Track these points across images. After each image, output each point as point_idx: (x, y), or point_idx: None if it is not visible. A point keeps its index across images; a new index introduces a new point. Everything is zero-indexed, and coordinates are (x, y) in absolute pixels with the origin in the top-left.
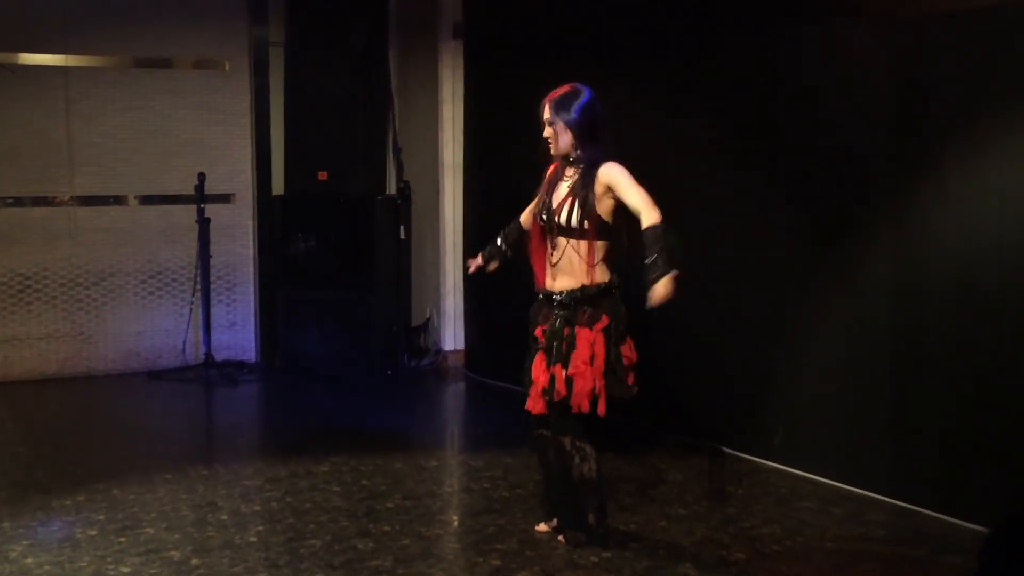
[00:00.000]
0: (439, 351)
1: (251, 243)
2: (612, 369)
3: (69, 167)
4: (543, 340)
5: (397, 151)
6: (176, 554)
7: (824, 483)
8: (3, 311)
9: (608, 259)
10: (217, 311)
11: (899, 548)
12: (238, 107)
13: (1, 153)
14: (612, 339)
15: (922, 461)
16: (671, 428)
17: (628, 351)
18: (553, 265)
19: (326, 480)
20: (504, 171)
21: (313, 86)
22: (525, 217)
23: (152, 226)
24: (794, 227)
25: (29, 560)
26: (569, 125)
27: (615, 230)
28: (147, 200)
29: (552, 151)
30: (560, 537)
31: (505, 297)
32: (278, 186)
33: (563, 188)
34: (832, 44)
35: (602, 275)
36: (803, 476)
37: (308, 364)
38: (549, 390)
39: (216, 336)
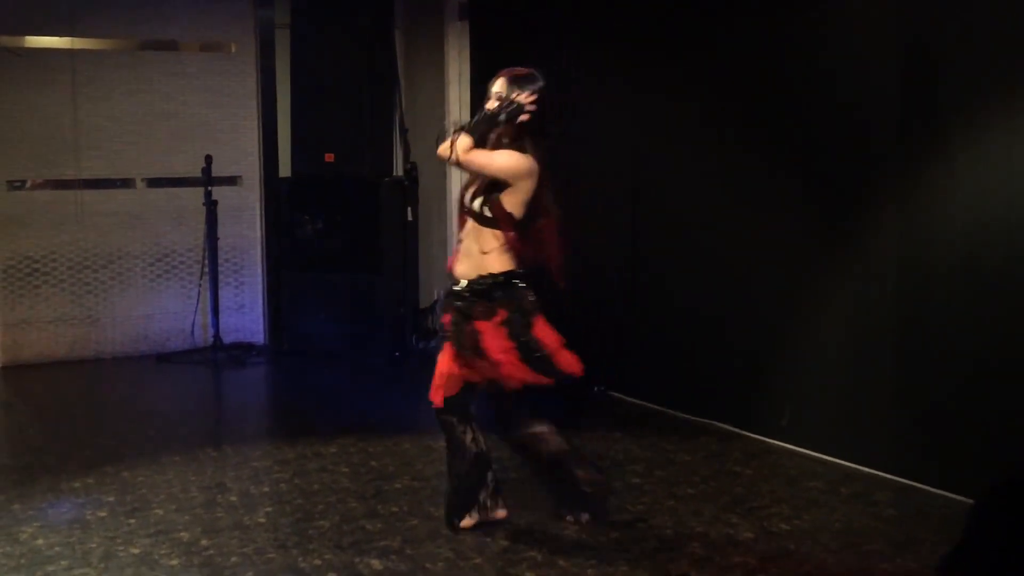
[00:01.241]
0: None
1: (258, 225)
2: (530, 356)
3: (76, 150)
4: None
5: (404, 132)
6: (185, 535)
7: (832, 462)
8: (12, 295)
9: (512, 250)
10: (225, 293)
11: (907, 527)
12: (244, 89)
13: (8, 137)
14: (516, 331)
15: (930, 440)
16: (679, 408)
17: (544, 335)
18: (459, 244)
19: (334, 461)
20: None
21: (319, 68)
22: None
23: (159, 209)
24: (801, 207)
25: (39, 541)
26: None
27: (524, 224)
28: (154, 183)
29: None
30: (568, 519)
31: None
32: (285, 168)
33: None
34: (839, 23)
35: (500, 265)
36: (811, 456)
37: (316, 346)
38: (495, 381)
39: (224, 318)
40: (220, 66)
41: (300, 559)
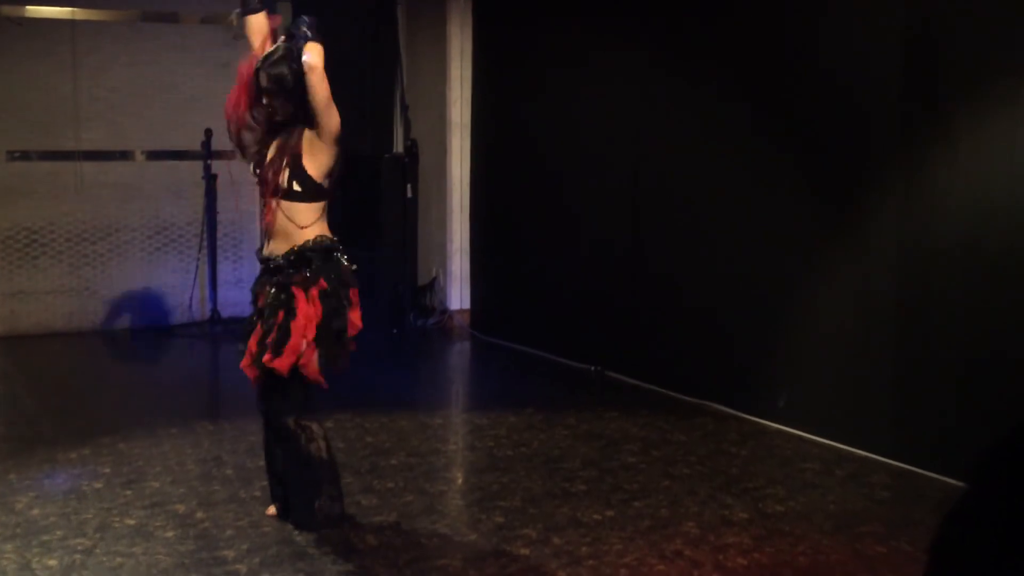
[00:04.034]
0: (445, 310)
1: (258, 200)
2: (330, 336)
3: (75, 122)
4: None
5: (404, 109)
6: (181, 507)
7: (828, 445)
8: (10, 265)
9: (326, 219)
10: (223, 268)
11: (901, 510)
12: None
13: (7, 107)
14: (331, 304)
15: (926, 423)
16: (676, 389)
17: (355, 318)
18: (268, 226)
19: (331, 436)
20: (512, 130)
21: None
22: None
23: (159, 182)
24: (801, 190)
25: (35, 511)
26: (289, 95)
27: (330, 191)
28: (154, 155)
29: (278, 117)
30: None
31: (512, 257)
32: None
33: (274, 147)
34: (841, 7)
35: (317, 232)
36: (807, 438)
37: None
38: (258, 357)
39: (222, 293)
40: (221, 39)
41: (295, 533)
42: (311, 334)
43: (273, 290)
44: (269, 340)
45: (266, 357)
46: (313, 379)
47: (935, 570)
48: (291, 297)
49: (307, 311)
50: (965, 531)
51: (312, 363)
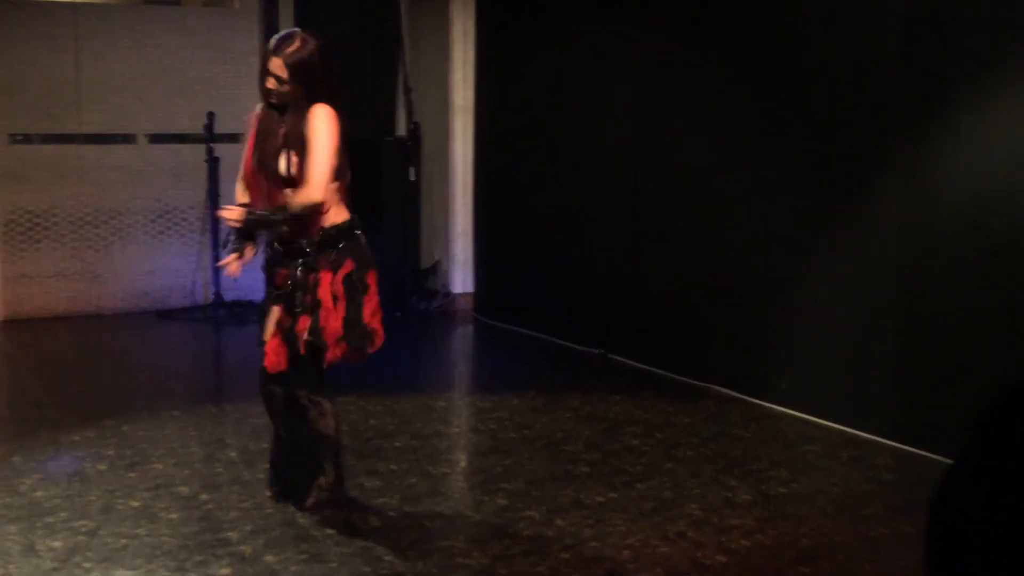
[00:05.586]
0: (448, 294)
1: (243, 187)
2: (357, 318)
3: (77, 105)
4: (283, 288)
5: (407, 92)
6: (185, 489)
7: (831, 427)
8: (12, 249)
9: (343, 198)
10: (226, 251)
11: (905, 492)
12: (247, 46)
13: (9, 90)
14: (356, 285)
15: (929, 406)
16: (679, 372)
17: (374, 300)
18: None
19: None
20: (515, 113)
21: (323, 25)
22: (240, 186)
23: (161, 165)
24: (804, 172)
25: (39, 493)
26: (300, 82)
27: (341, 169)
28: (156, 139)
29: (274, 99)
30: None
31: (515, 240)
32: None
33: (280, 135)
34: None
35: (339, 215)
36: (810, 420)
37: None
38: (294, 341)
39: (225, 276)
40: (223, 22)
41: (298, 515)
42: (338, 318)
43: (300, 271)
44: (302, 325)
45: (328, 354)
46: (339, 360)
47: (933, 544)
48: (318, 280)
49: (332, 296)
50: (959, 500)
51: (337, 346)
